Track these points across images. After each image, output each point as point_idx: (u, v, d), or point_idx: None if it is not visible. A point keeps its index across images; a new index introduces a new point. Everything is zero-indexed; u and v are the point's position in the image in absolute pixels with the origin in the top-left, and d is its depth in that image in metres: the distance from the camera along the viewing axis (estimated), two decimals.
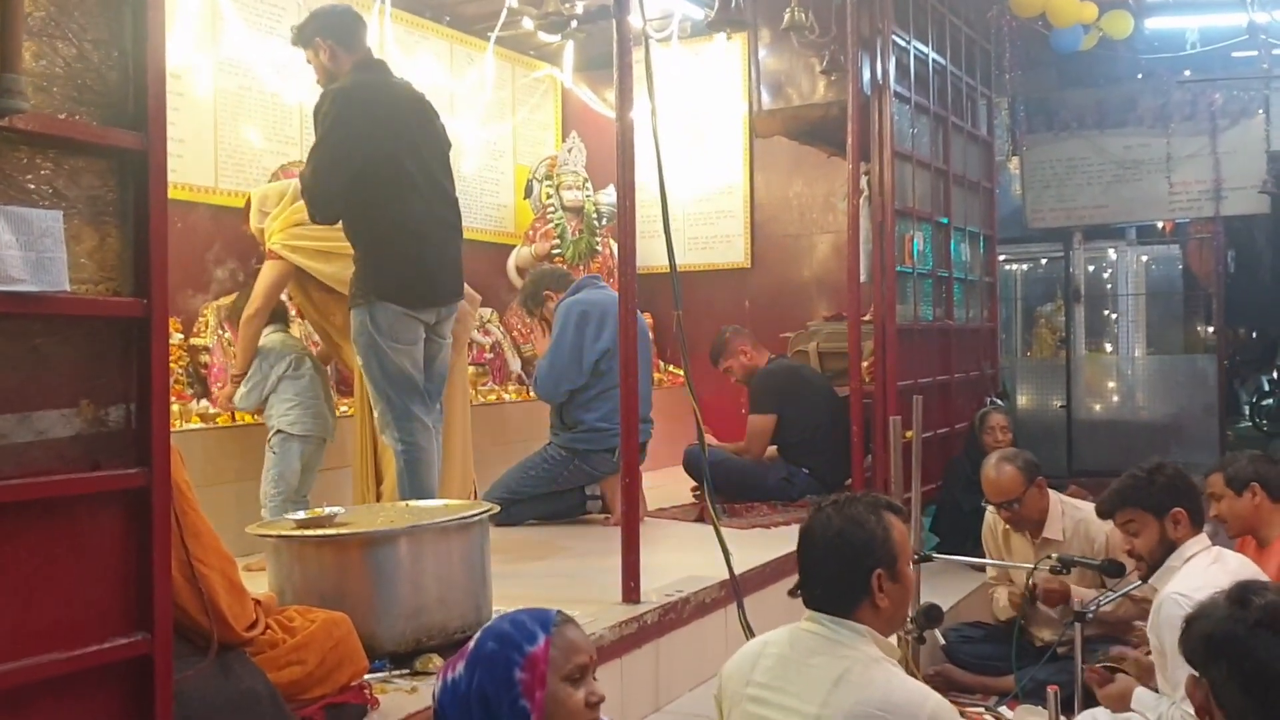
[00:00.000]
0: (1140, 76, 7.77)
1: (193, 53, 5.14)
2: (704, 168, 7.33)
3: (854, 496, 2.16)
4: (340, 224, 3.88)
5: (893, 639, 2.17)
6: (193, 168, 5.15)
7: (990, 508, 4.10)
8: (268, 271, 4.31)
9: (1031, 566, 3.43)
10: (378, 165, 3.69)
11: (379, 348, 3.74)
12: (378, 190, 3.70)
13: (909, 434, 4.41)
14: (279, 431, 4.23)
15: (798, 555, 2.15)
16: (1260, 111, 7.41)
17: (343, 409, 4.74)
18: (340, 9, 3.95)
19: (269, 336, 4.35)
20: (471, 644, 1.71)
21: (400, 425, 3.80)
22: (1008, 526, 4.07)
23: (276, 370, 4.28)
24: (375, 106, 3.71)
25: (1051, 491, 4.05)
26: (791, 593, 2.15)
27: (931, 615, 2.59)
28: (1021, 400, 8.26)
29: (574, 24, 5.61)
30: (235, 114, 5.38)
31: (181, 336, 4.84)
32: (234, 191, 5.33)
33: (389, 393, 3.79)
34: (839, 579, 2.06)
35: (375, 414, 3.92)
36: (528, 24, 6.20)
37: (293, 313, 4.76)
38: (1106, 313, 8.60)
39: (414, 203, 3.76)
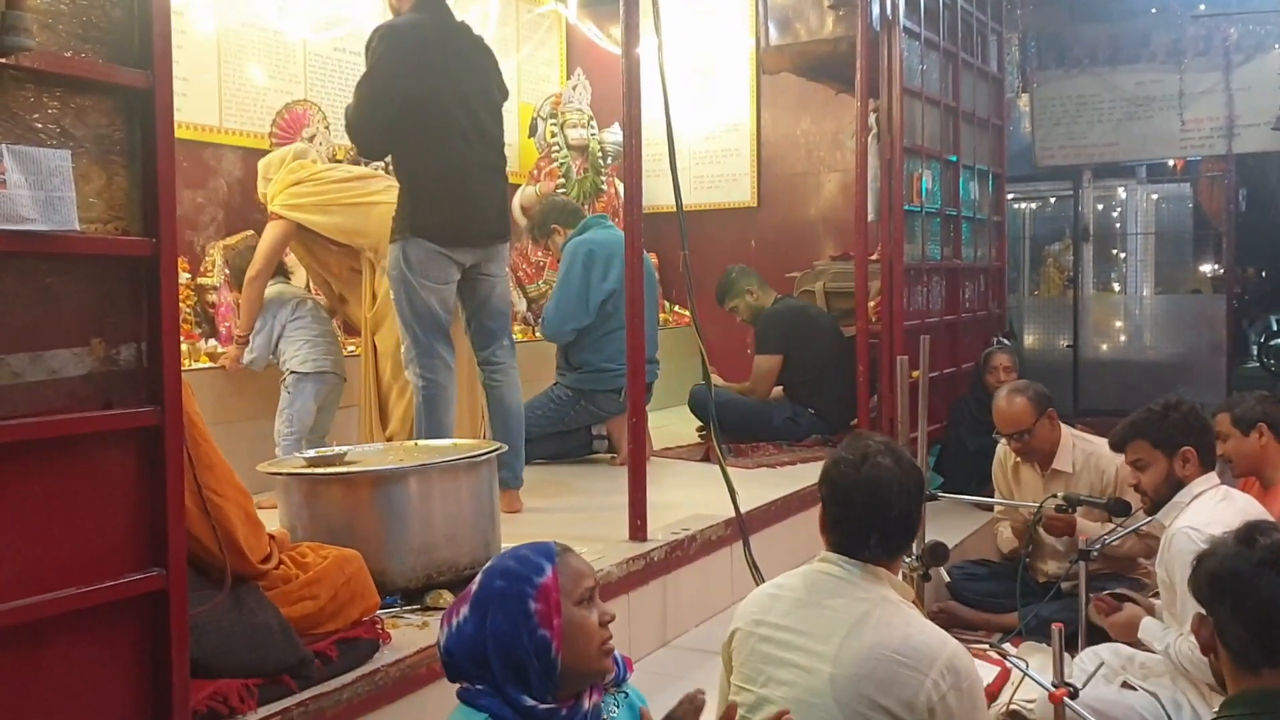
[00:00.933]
0: (1154, 11, 7.63)
1: None
2: (710, 105, 7.26)
3: (878, 442, 2.10)
4: (340, 179, 4.09)
5: (899, 578, 2.18)
6: (196, 106, 5.12)
7: (1001, 442, 4.11)
8: (269, 233, 4.37)
9: (1037, 505, 3.45)
10: (419, 104, 3.69)
11: (409, 283, 3.76)
12: (419, 129, 3.71)
13: (915, 373, 4.42)
14: (293, 372, 4.29)
15: (851, 510, 2.05)
16: (1276, 46, 7.28)
17: (349, 348, 4.76)
18: None
19: (269, 289, 4.40)
20: (474, 586, 1.72)
21: (423, 361, 3.81)
22: (1018, 460, 4.08)
23: (280, 318, 4.34)
24: (421, 45, 3.71)
25: (1063, 425, 4.06)
26: (839, 542, 2.07)
27: (937, 553, 2.61)
28: (1028, 340, 8.24)
29: None
30: (239, 52, 5.33)
31: (189, 276, 4.85)
32: (238, 130, 5.31)
33: (414, 328, 3.80)
34: (908, 522, 2.06)
35: (401, 350, 3.94)
36: None
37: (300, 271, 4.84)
38: (1115, 252, 8.54)
39: (455, 143, 3.75)
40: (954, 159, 6.01)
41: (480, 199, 3.82)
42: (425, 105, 3.69)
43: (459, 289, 3.88)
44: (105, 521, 1.78)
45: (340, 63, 5.82)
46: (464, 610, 1.70)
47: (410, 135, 3.72)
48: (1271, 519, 2.78)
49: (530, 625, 1.66)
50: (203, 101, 5.15)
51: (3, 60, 1.58)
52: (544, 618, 1.67)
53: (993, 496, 4.28)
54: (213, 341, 4.68)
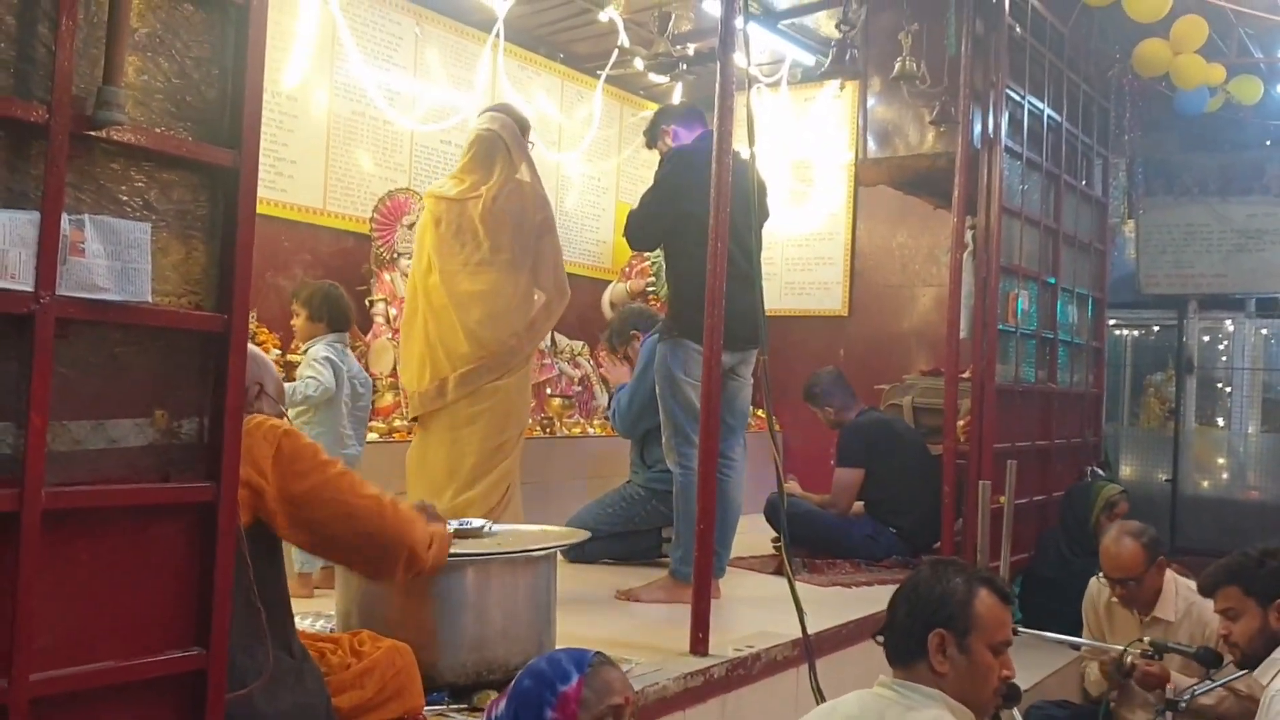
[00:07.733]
0: (1269, 144, 7.47)
1: (310, 75, 5.27)
2: (806, 213, 7.26)
3: (966, 564, 2.17)
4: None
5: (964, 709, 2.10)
6: (302, 188, 5.27)
7: (1096, 577, 3.91)
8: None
9: (1122, 649, 3.25)
10: (689, 220, 4.09)
11: (674, 378, 4.17)
12: (687, 243, 4.15)
13: (1001, 499, 4.25)
14: None
15: (893, 615, 2.18)
16: None
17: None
18: (683, 105, 4.73)
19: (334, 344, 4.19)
20: (514, 681, 1.71)
21: (681, 450, 4.16)
22: (1114, 599, 3.88)
23: (342, 376, 4.12)
24: (698, 173, 4.08)
25: (1167, 570, 3.85)
26: (874, 636, 2.17)
27: (1009, 695, 2.46)
28: (1125, 471, 7.94)
29: (683, 66, 5.64)
30: (348, 138, 5.50)
31: (279, 352, 4.93)
32: (341, 214, 5.45)
33: (677, 418, 4.18)
34: (904, 628, 2.08)
35: (663, 438, 4.29)
36: (639, 64, 6.24)
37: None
38: (1220, 385, 8.25)
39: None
40: (1052, 281, 5.88)
41: (735, 308, 4.03)
42: (694, 222, 4.03)
43: None
44: (152, 595, 1.76)
45: (445, 155, 5.96)
46: (502, 705, 1.73)
47: (679, 247, 4.22)
48: None
49: None
50: (308, 184, 5.31)
51: (94, 133, 1.62)
52: None
53: (1079, 634, 4.07)
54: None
